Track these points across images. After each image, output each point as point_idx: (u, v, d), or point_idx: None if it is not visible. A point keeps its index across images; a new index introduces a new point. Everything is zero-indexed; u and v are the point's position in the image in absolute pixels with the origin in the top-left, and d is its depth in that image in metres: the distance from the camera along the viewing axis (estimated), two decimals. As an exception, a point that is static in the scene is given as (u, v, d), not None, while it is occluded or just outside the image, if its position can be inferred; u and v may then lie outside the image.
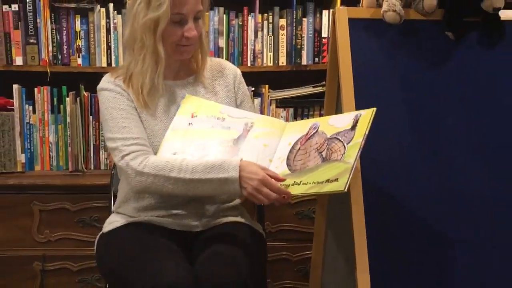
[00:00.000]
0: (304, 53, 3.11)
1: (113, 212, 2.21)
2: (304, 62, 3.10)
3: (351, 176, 1.75)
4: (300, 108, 3.11)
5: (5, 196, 2.77)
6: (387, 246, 1.96)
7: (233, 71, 2.24)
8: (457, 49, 2.15)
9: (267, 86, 3.08)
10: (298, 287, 2.89)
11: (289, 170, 1.93)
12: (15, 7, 2.91)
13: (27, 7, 2.91)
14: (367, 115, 1.84)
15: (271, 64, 3.09)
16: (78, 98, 2.93)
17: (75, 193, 2.73)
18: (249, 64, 3.06)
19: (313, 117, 3.09)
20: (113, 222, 2.15)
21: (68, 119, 2.94)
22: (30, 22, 2.92)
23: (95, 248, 2.19)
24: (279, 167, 1.95)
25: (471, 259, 2.00)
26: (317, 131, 1.96)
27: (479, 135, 2.09)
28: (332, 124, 1.94)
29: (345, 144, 1.84)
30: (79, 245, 2.79)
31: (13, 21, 2.91)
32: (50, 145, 2.95)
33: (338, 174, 1.79)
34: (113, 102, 2.07)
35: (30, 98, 2.93)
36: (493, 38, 2.16)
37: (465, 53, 2.15)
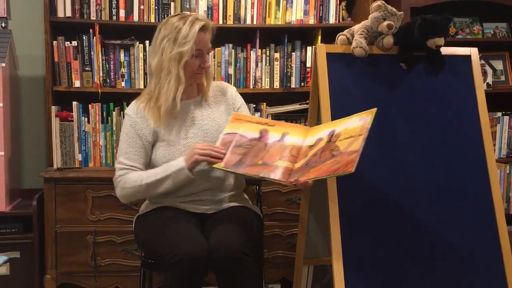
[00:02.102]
0: (293, 78, 3.09)
1: (146, 199, 2.19)
2: (293, 85, 3.09)
3: (357, 159, 1.69)
4: (290, 120, 3.09)
5: (67, 185, 2.76)
6: (355, 222, 1.94)
7: (230, 88, 2.23)
8: (409, 77, 2.14)
9: (264, 103, 3.06)
10: (287, 256, 2.87)
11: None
12: (74, 43, 2.90)
13: (84, 43, 2.90)
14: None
15: (268, 87, 3.08)
16: (121, 112, 2.92)
17: (119, 183, 2.72)
18: (251, 87, 3.05)
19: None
20: (146, 206, 2.14)
21: (114, 128, 2.93)
22: (86, 55, 2.91)
23: (133, 225, 2.18)
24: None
25: (414, 223, 1.99)
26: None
27: (423, 139, 2.08)
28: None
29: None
30: (122, 223, 2.76)
31: (73, 54, 2.90)
32: (100, 147, 2.94)
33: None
34: (128, 128, 2.08)
35: (85, 112, 2.92)
36: (436, 68, 2.15)
37: (415, 80, 2.14)
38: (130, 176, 2.01)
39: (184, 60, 2.00)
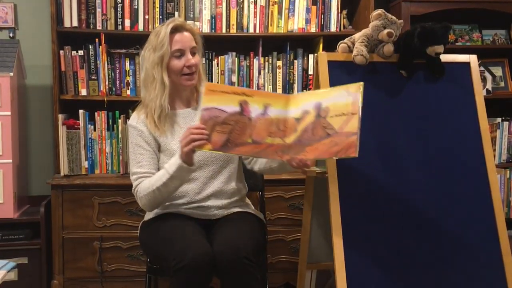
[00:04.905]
0: (295, 86, 3.10)
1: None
2: (295, 92, 3.09)
3: (358, 143, 1.67)
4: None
5: (73, 192, 2.77)
6: (357, 227, 1.94)
7: None
8: (409, 84, 2.14)
9: (267, 110, 3.06)
10: (291, 260, 2.86)
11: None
12: (81, 52, 2.92)
13: (90, 52, 2.92)
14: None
15: (271, 94, 3.08)
16: (127, 120, 2.93)
17: (125, 190, 2.72)
18: (254, 94, 3.05)
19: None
20: (152, 212, 2.14)
21: (120, 135, 2.94)
22: (92, 64, 2.93)
23: (138, 231, 2.18)
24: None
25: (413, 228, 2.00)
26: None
27: (423, 145, 2.08)
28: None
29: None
30: (128, 229, 2.77)
31: (80, 63, 2.92)
32: (106, 154, 2.95)
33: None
34: (135, 138, 2.07)
35: (91, 119, 2.93)
36: (435, 75, 2.15)
37: (415, 87, 2.14)
38: (143, 185, 2.01)
39: (164, 62, 2.02)
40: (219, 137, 1.81)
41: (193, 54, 2.06)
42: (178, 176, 1.92)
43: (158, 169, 2.05)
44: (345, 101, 1.76)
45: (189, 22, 2.85)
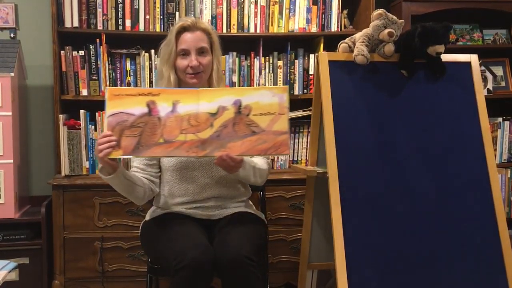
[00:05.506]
0: (296, 85, 3.10)
1: (153, 205, 2.20)
2: (296, 92, 3.10)
3: (289, 142, 1.74)
4: (293, 127, 3.10)
5: (74, 192, 2.77)
6: (358, 227, 1.94)
7: None
8: (409, 83, 2.14)
9: (268, 110, 3.06)
10: (291, 260, 2.86)
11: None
12: (82, 52, 2.92)
13: (91, 52, 2.92)
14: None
15: (272, 94, 3.08)
16: (128, 120, 2.93)
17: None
18: (255, 94, 3.05)
19: (303, 134, 3.09)
20: (153, 212, 2.14)
21: (121, 135, 2.94)
22: (93, 64, 2.92)
23: (139, 231, 2.18)
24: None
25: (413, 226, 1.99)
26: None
27: (424, 145, 2.08)
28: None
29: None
30: (128, 229, 2.77)
31: (80, 63, 2.92)
32: (107, 154, 2.94)
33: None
34: None
35: (92, 120, 2.93)
36: (436, 75, 2.15)
37: (415, 86, 2.14)
38: None
39: (170, 60, 2.04)
40: (129, 141, 1.79)
41: (200, 54, 2.06)
42: (112, 183, 1.92)
43: (158, 165, 2.09)
44: (270, 101, 1.80)
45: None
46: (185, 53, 2.04)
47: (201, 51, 2.06)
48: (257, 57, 3.05)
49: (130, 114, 1.80)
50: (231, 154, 1.79)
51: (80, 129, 2.88)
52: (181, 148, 1.80)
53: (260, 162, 2.06)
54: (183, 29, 2.05)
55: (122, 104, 1.80)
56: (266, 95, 1.81)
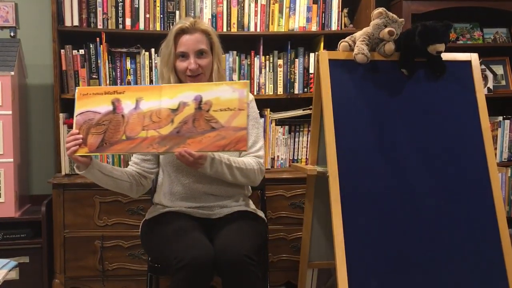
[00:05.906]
0: (296, 84, 3.10)
1: (153, 204, 2.20)
2: (296, 91, 3.09)
3: (248, 137, 1.75)
4: (293, 126, 3.10)
5: (75, 191, 2.77)
6: (359, 226, 1.94)
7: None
8: (410, 82, 2.14)
9: (268, 109, 3.06)
10: (292, 259, 2.86)
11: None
12: (82, 51, 2.92)
13: (91, 51, 2.92)
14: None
15: (272, 93, 3.08)
16: (128, 119, 2.93)
17: (126, 189, 2.73)
18: (255, 93, 3.05)
19: (303, 133, 3.09)
20: (153, 211, 2.14)
21: (121, 134, 2.94)
22: (93, 63, 2.92)
23: (140, 230, 2.18)
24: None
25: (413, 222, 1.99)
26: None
27: (424, 144, 2.08)
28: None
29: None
30: (129, 228, 2.77)
31: (80, 62, 2.92)
32: (107, 154, 2.94)
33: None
34: None
35: (93, 118, 2.92)
36: (436, 73, 2.15)
37: (416, 85, 2.14)
38: None
39: (170, 62, 2.04)
40: (95, 139, 1.83)
41: (199, 55, 2.05)
42: (90, 178, 1.96)
43: (155, 160, 2.11)
44: (230, 96, 1.79)
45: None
46: (184, 55, 2.04)
47: (200, 53, 2.05)
48: (257, 56, 3.05)
49: (96, 113, 1.85)
50: (190, 150, 1.79)
51: (80, 128, 2.88)
52: (142, 144, 1.82)
53: (247, 161, 2.05)
54: (182, 31, 2.04)
55: (89, 103, 1.86)
56: (226, 91, 1.80)
